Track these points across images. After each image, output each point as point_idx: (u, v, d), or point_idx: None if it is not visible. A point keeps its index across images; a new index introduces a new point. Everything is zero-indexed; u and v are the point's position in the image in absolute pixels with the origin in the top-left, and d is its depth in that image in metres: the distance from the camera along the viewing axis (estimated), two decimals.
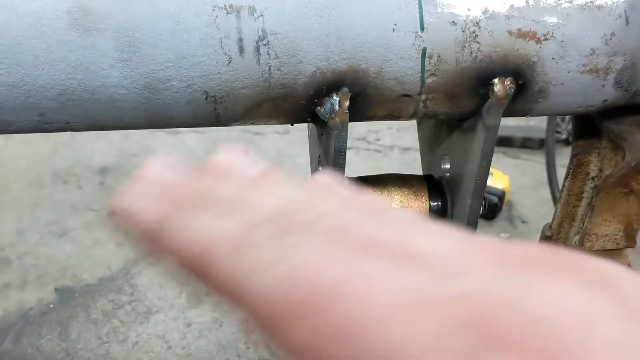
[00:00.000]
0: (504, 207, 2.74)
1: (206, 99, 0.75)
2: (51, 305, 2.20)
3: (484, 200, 0.96)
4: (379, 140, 3.31)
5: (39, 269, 2.36)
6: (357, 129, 3.35)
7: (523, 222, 2.68)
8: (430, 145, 1.06)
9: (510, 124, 3.43)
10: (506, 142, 3.19)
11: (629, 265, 1.05)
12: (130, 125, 0.79)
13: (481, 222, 2.69)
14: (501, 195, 2.67)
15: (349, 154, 3.25)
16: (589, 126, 0.98)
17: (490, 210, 2.66)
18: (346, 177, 1.00)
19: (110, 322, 2.15)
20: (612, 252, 1.04)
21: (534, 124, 3.34)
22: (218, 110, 0.77)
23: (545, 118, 2.83)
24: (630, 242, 1.02)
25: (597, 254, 1.04)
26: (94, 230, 2.57)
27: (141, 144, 3.12)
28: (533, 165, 3.05)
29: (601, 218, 0.98)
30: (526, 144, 3.19)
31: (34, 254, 2.43)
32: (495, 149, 3.10)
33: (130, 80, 0.73)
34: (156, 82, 0.73)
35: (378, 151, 3.23)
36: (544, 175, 2.49)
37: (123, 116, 0.77)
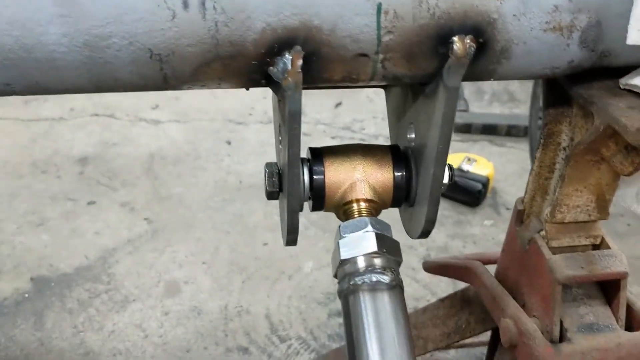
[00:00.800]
0: (489, 194, 2.71)
1: (150, 57, 0.72)
2: (26, 295, 2.16)
3: (451, 171, 0.93)
4: (363, 129, 3.28)
5: (14, 259, 2.32)
6: (341, 119, 3.32)
7: (507, 209, 2.66)
8: (397, 115, 1.03)
9: (495, 112, 3.41)
10: (491, 129, 3.16)
11: (603, 238, 1.03)
12: (74, 88, 0.76)
13: (465, 209, 2.67)
14: (485, 182, 2.64)
15: (333, 143, 3.22)
16: (560, 93, 0.95)
17: (474, 197, 2.63)
18: (308, 147, 0.97)
19: (86, 311, 2.11)
20: (584, 224, 1.01)
21: (520, 112, 3.31)
22: (165, 70, 0.74)
23: (529, 104, 2.81)
24: (602, 213, 0.99)
25: (569, 226, 1.01)
26: (73, 220, 2.53)
27: (122, 134, 3.08)
28: (518, 152, 3.03)
29: (572, 188, 0.95)
30: (511, 131, 3.16)
31: (10, 244, 2.39)
32: (480, 136, 3.07)
33: (70, 38, 0.69)
34: (97, 39, 0.70)
35: (363, 140, 3.19)
36: (529, 162, 2.47)
37: (65, 77, 0.73)
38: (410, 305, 2.13)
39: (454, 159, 2.76)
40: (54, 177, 2.77)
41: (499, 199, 2.72)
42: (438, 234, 2.51)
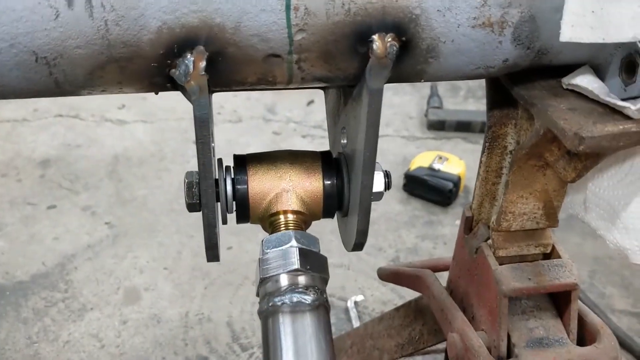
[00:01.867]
0: (460, 194, 2.66)
1: (36, 61, 0.65)
2: None
3: (387, 178, 0.87)
4: None
5: None
6: (313, 117, 3.25)
7: None
8: (333, 119, 0.96)
9: (469, 109, 3.35)
10: (465, 127, 3.10)
11: (553, 246, 0.97)
12: None
13: (436, 209, 2.61)
14: (456, 181, 2.59)
15: (304, 142, 3.15)
16: (504, 93, 0.89)
17: (445, 196, 2.57)
18: (234, 155, 0.90)
19: (41, 321, 2.04)
20: (533, 233, 0.95)
21: None
22: (55, 75, 0.67)
23: None
24: (551, 221, 0.93)
25: (517, 234, 0.95)
26: (32, 225, 2.44)
27: (86, 135, 2.99)
28: None
29: (516, 195, 0.89)
30: None
31: None
32: (454, 134, 2.99)
33: None
34: None
35: None
36: None
37: None
38: (378, 309, 2.07)
39: (425, 157, 2.70)
40: (14, 180, 2.69)
41: (472, 197, 2.66)
42: (408, 235, 2.45)
